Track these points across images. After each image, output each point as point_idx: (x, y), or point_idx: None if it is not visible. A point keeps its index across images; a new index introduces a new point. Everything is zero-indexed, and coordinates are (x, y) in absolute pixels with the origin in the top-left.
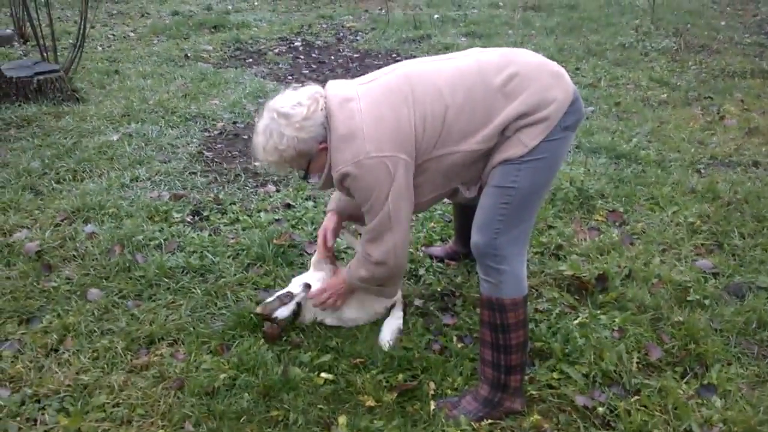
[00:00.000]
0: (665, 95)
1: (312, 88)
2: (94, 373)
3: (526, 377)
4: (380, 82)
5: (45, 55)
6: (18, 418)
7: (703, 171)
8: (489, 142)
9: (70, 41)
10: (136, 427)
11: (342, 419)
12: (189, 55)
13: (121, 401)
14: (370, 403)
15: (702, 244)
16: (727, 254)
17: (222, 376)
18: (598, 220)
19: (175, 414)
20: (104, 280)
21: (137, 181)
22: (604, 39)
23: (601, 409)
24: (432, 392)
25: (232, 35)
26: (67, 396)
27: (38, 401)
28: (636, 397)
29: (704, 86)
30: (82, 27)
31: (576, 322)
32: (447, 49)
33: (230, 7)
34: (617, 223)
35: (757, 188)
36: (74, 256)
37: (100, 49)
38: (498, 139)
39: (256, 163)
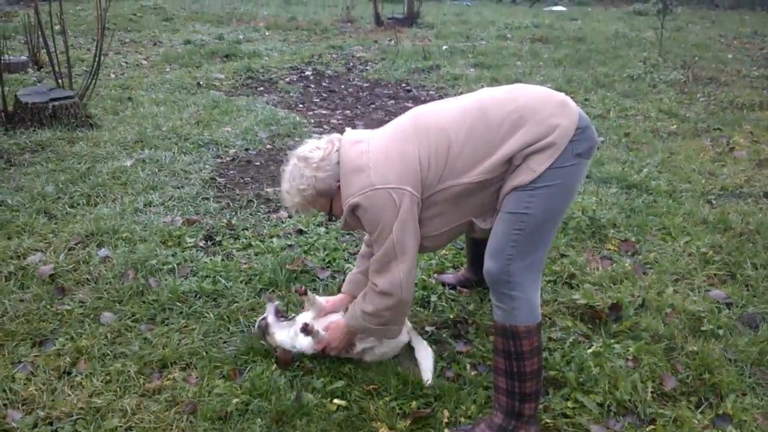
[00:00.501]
0: (674, 126)
1: (331, 136)
2: (106, 397)
3: (541, 405)
4: (390, 125)
5: (60, 81)
6: None
7: (714, 202)
8: (494, 171)
9: (84, 68)
10: None
11: None
12: (201, 83)
13: (133, 425)
14: (384, 430)
15: (715, 275)
16: (740, 285)
17: (234, 400)
18: (610, 249)
19: None
20: (117, 304)
21: (151, 206)
22: (612, 71)
23: None
24: (446, 420)
25: (244, 64)
26: (80, 419)
27: (50, 423)
28: (651, 427)
29: (713, 118)
30: (97, 55)
31: (590, 351)
32: (456, 79)
33: (241, 37)
34: (629, 253)
35: None
36: (88, 279)
37: (113, 76)
38: (506, 168)
39: (285, 210)
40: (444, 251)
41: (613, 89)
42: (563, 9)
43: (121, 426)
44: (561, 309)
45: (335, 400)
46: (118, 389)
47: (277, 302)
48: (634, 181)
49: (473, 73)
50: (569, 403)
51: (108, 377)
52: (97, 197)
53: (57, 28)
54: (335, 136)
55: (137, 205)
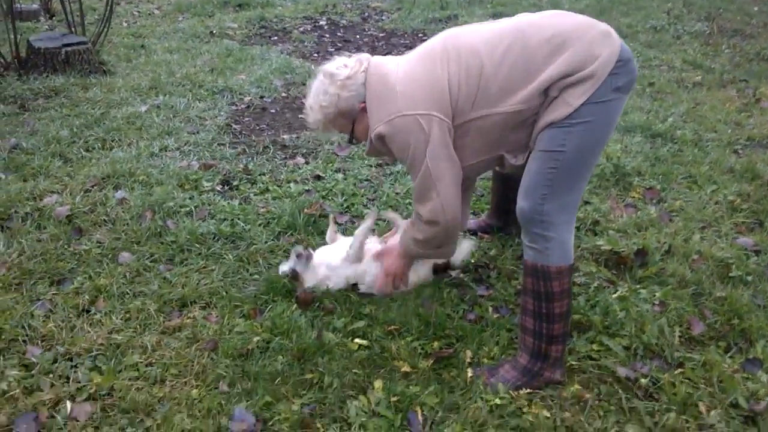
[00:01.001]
0: (699, 77)
1: (360, 54)
2: (126, 333)
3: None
4: (420, 47)
5: (73, 29)
6: (50, 375)
7: (740, 151)
8: (530, 102)
9: (96, 17)
10: (169, 387)
11: (378, 383)
12: (214, 32)
13: (154, 361)
14: (406, 368)
15: (742, 223)
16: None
17: (255, 338)
18: (634, 197)
19: (209, 374)
20: (135, 245)
21: (166, 151)
22: (635, 21)
23: (643, 381)
24: (468, 360)
25: (257, 13)
26: (100, 355)
27: (71, 359)
28: (679, 370)
29: (739, 69)
30: (109, 2)
31: (615, 295)
32: None
33: None
34: (654, 201)
35: None
36: (105, 221)
37: (125, 25)
38: (542, 101)
39: (308, 127)
40: None
41: (636, 40)
42: None
43: (141, 362)
44: (584, 255)
45: (356, 340)
46: (138, 326)
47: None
48: (659, 131)
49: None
50: (594, 346)
51: (127, 315)
52: (112, 141)
53: None
54: (364, 55)
55: (153, 149)
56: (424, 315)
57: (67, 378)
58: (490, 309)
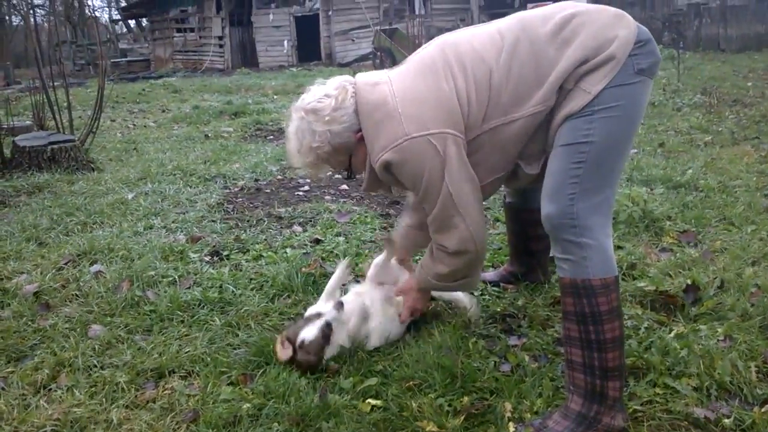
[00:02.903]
0: (709, 138)
1: (339, 78)
2: (89, 407)
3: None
4: (412, 60)
5: (62, 131)
6: None
7: None
8: (548, 101)
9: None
10: None
11: None
12: (209, 135)
13: None
14: (432, 428)
15: None
16: None
17: (245, 406)
18: (668, 241)
19: None
20: (108, 317)
21: (151, 229)
22: None
23: (727, 422)
24: (509, 414)
25: (253, 119)
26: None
27: None
28: (767, 406)
29: (748, 130)
30: (98, 97)
31: (671, 334)
32: None
33: (250, 101)
34: (691, 243)
35: None
36: (76, 295)
37: (119, 135)
38: (557, 96)
39: (296, 171)
40: None
41: None
42: None
43: None
44: (626, 298)
45: (369, 400)
46: (104, 400)
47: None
48: (680, 182)
49: None
50: (658, 389)
51: (93, 389)
52: (93, 224)
53: (64, 105)
54: (346, 79)
55: (137, 228)
56: (449, 367)
57: None
58: (527, 358)
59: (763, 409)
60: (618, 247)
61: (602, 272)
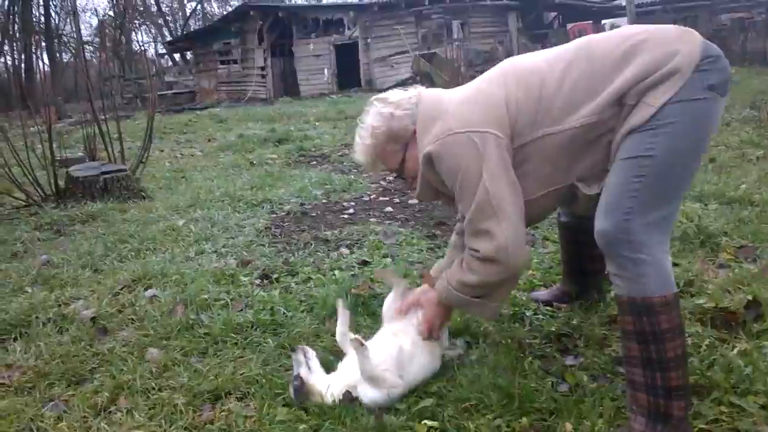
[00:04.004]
0: (761, 152)
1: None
2: (149, 428)
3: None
4: (477, 78)
5: (113, 161)
6: None
7: None
8: (602, 113)
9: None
10: None
11: None
12: (254, 162)
13: None
14: None
15: None
16: None
17: (301, 427)
18: (726, 258)
19: None
20: (164, 340)
21: (202, 254)
22: None
23: None
24: None
25: (296, 145)
26: None
27: None
28: None
29: None
30: (148, 127)
31: (735, 351)
32: None
33: (293, 129)
34: (750, 259)
35: None
36: (132, 320)
37: (168, 164)
38: (616, 111)
39: (356, 162)
40: (531, 272)
41: None
42: None
43: None
44: (685, 315)
45: (425, 421)
46: (163, 422)
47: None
48: (734, 197)
49: None
50: (723, 408)
51: (152, 411)
52: (146, 251)
53: (114, 136)
54: (418, 86)
55: (188, 254)
56: (506, 388)
57: None
58: (585, 378)
59: None
60: (674, 264)
61: (661, 289)
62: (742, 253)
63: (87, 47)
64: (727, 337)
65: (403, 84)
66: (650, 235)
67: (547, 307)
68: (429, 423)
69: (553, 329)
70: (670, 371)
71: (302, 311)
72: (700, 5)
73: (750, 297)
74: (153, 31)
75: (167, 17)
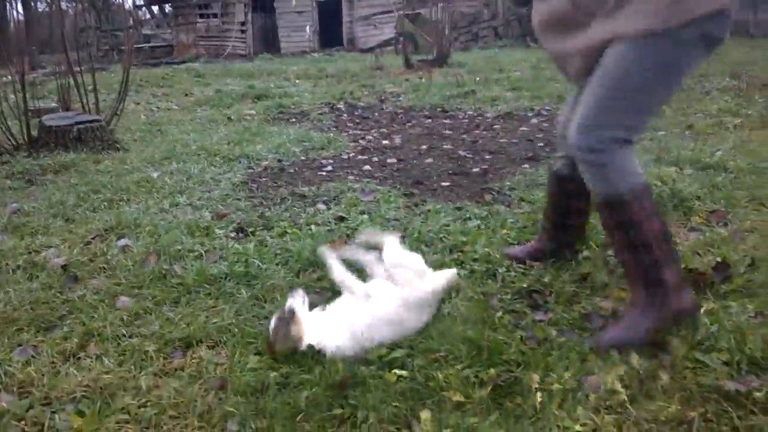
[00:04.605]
0: (739, 121)
1: None
2: (118, 374)
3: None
4: None
5: (87, 111)
6: (22, 422)
7: None
8: None
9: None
10: (166, 429)
11: (425, 415)
12: (232, 117)
13: (150, 402)
14: (458, 398)
15: None
16: None
17: (272, 374)
18: (697, 221)
19: (215, 414)
20: (136, 289)
21: (176, 207)
22: None
23: (758, 394)
24: (536, 385)
25: (275, 102)
26: (84, 398)
27: (49, 404)
28: None
29: None
30: (124, 79)
31: (702, 310)
32: (494, 100)
33: (272, 85)
34: (720, 223)
35: None
36: (104, 268)
37: (143, 117)
38: None
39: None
40: (504, 230)
41: None
42: None
43: (133, 404)
44: None
45: (395, 371)
46: (132, 368)
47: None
48: (709, 163)
49: (511, 95)
50: (688, 363)
51: (121, 358)
52: (120, 201)
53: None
54: None
55: (163, 206)
56: (475, 340)
57: (42, 425)
58: (554, 332)
59: None
60: None
61: (629, 185)
62: (714, 217)
63: None
64: (696, 296)
65: (386, 44)
66: (615, 143)
67: (520, 265)
68: (399, 372)
69: (525, 286)
70: (651, 247)
71: (277, 264)
72: None
73: (719, 259)
74: None
75: None
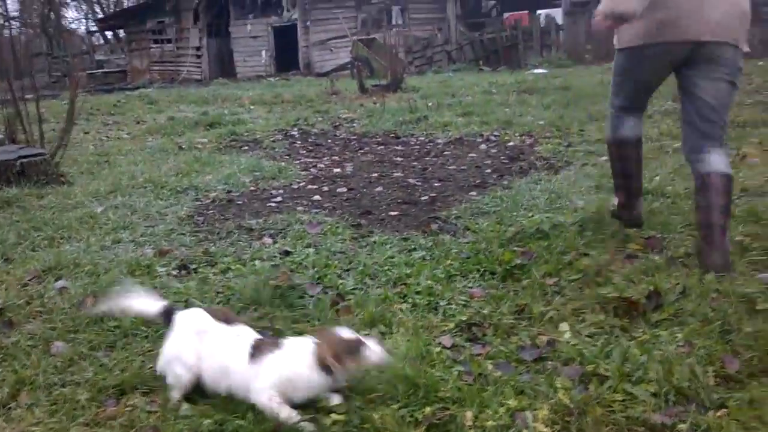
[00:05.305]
0: (678, 144)
1: None
2: (48, 425)
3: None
4: None
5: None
6: None
7: (737, 201)
8: None
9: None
10: None
11: None
12: (183, 146)
13: None
14: None
15: (757, 261)
16: None
17: (206, 422)
18: (634, 248)
19: None
20: (72, 333)
21: (119, 243)
22: (604, 108)
23: (683, 426)
24: (469, 423)
25: (228, 129)
26: None
27: None
28: (722, 411)
29: None
30: (69, 110)
31: (633, 341)
32: (446, 125)
33: (226, 112)
34: (656, 250)
35: None
36: (41, 312)
37: (92, 148)
38: None
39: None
40: (449, 260)
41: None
42: (544, 71)
43: None
44: (590, 305)
45: (332, 414)
46: (63, 418)
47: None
48: (648, 189)
49: (462, 120)
50: (617, 395)
51: (53, 407)
52: (61, 239)
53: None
54: None
55: (105, 243)
56: (412, 378)
57: None
58: (490, 366)
59: (718, 414)
60: (584, 254)
61: (608, 135)
62: (650, 243)
63: (12, 23)
64: (628, 326)
65: (341, 69)
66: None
67: (461, 296)
68: (335, 416)
69: (464, 318)
70: (613, 176)
71: (218, 302)
72: None
73: (651, 287)
74: (84, 7)
75: None
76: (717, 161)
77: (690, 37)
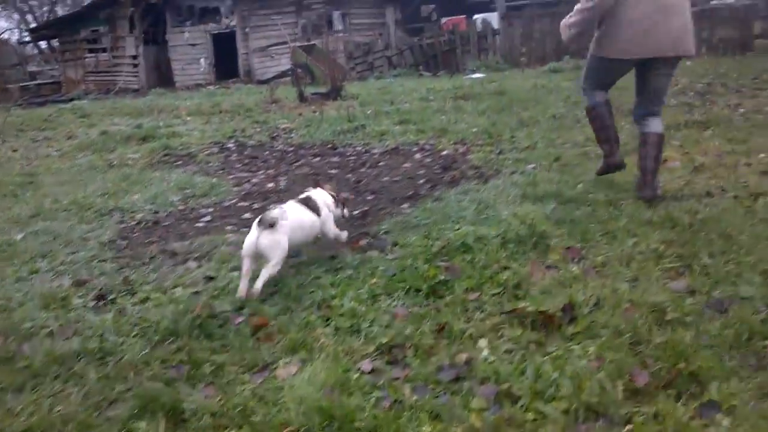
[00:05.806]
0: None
1: None
2: None
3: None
4: None
5: None
6: None
7: (656, 206)
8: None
9: None
10: None
11: None
12: (114, 164)
13: None
14: None
15: (670, 268)
16: (699, 274)
17: None
18: (554, 258)
19: None
20: None
21: (36, 273)
22: (535, 113)
23: None
24: None
25: (162, 143)
26: None
27: None
28: (629, 426)
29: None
30: None
31: (547, 357)
32: (382, 134)
33: (161, 124)
34: (575, 259)
35: (716, 212)
36: None
37: (18, 167)
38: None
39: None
40: (375, 279)
41: (539, 127)
42: (481, 75)
43: None
44: (508, 319)
45: None
46: None
47: None
48: (571, 196)
49: (398, 129)
50: (530, 415)
51: None
52: None
53: None
54: None
55: (21, 274)
56: (328, 409)
57: None
58: (408, 391)
59: (625, 429)
60: (505, 267)
61: (587, 105)
62: (570, 253)
63: None
64: (543, 340)
65: (283, 75)
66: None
67: (385, 315)
68: None
69: (386, 341)
70: (596, 134)
71: (134, 336)
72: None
73: (567, 301)
74: (15, 16)
75: (32, 2)
76: (655, 124)
77: (655, 54)
